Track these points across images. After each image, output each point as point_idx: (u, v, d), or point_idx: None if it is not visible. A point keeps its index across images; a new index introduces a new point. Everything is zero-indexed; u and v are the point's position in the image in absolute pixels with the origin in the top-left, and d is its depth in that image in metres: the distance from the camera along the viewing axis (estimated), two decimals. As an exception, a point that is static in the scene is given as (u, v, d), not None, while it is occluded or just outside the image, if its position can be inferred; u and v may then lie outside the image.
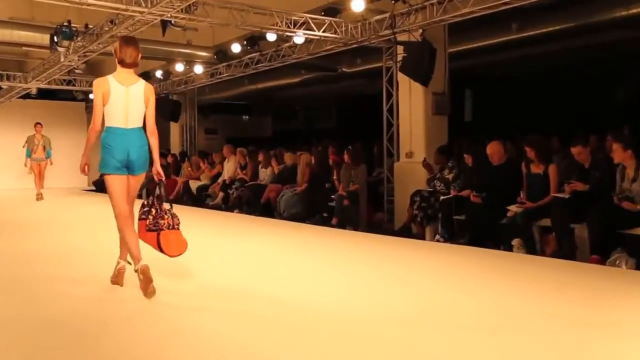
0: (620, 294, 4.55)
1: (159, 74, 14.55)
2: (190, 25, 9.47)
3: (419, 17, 8.27)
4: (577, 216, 5.90)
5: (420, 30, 8.43)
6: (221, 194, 11.68)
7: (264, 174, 11.21)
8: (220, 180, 12.32)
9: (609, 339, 3.41)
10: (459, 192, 7.43)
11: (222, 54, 12.03)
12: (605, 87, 12.79)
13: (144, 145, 4.43)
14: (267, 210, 10.27)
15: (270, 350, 3.19)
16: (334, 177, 9.43)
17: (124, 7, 7.82)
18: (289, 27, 8.93)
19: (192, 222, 9.50)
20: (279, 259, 6.09)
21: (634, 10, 8.19)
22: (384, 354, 3.15)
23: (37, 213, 10.79)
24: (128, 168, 4.39)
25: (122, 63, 4.42)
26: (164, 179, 4.56)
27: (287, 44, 10.59)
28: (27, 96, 16.10)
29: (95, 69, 15.99)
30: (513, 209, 6.48)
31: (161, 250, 4.39)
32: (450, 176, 7.83)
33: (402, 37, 8.74)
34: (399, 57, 8.91)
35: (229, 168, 12.24)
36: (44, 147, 12.94)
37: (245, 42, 11.07)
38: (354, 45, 9.57)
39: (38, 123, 12.95)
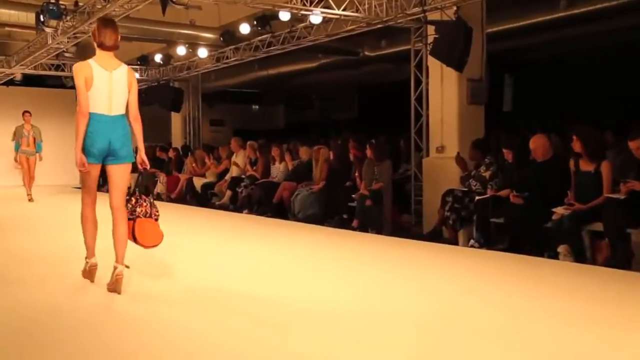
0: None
1: (158, 58, 14.63)
2: (193, 3, 9.49)
3: (452, -7, 8.24)
4: (634, 220, 5.84)
5: (454, 8, 8.39)
6: (229, 193, 11.73)
7: (277, 171, 11.24)
8: (227, 177, 12.37)
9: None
10: (497, 191, 7.40)
11: (229, 35, 12.06)
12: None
13: (128, 133, 4.69)
14: (280, 210, 10.30)
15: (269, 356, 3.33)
16: (355, 174, 9.43)
17: (119, -18, 7.89)
18: (304, 4, 8.93)
19: (196, 223, 9.76)
20: (291, 263, 6.14)
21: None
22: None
23: (26, 213, 10.92)
24: (111, 157, 4.62)
25: (102, 46, 4.65)
26: (148, 167, 4.84)
27: (303, 25, 10.58)
28: (10, 83, 16.28)
29: (86, 52, 16.08)
30: (559, 211, 6.43)
31: (135, 241, 4.68)
32: (487, 174, 7.80)
33: (433, 16, 8.72)
34: (430, 39, 8.88)
35: (238, 164, 12.28)
36: (34, 139, 12.73)
37: (255, 22, 11.08)
38: (379, 26, 9.54)
39: (27, 111, 12.82)
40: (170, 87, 15.72)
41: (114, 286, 4.57)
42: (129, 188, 4.82)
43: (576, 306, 4.53)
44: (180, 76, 15.48)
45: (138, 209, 4.72)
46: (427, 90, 9.31)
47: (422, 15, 8.74)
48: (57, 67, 14.43)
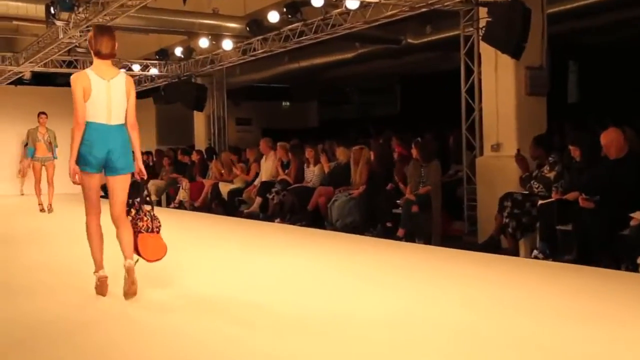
0: None
1: (178, 51, 14.75)
2: (216, -11, 9.53)
3: (507, -30, 8.15)
4: None
5: (510, -13, 8.27)
6: (258, 200, 11.76)
7: (311, 174, 11.24)
8: (256, 182, 12.40)
9: None
10: (564, 194, 7.29)
11: (256, 25, 12.10)
12: None
13: (127, 143, 5.10)
14: (316, 219, 10.33)
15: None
16: (396, 177, 9.38)
17: (135, -32, 7.94)
18: (339, -12, 8.91)
19: (222, 233, 9.82)
20: (327, 277, 6.13)
21: None
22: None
23: (39, 224, 11.07)
24: (109, 167, 5.03)
25: (99, 55, 5.05)
26: (146, 177, 5.28)
27: (338, 11, 10.57)
28: (18, 82, 16.58)
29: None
30: (638, 216, 6.31)
31: (138, 254, 5.12)
32: (551, 174, 7.70)
33: (485, -3, 8.64)
34: (482, 22, 8.80)
35: (268, 167, 12.31)
36: (50, 144, 12.73)
37: (284, 10, 11.11)
38: (423, 10, 9.49)
39: (42, 113, 12.76)
40: (192, 84, 15.82)
41: (128, 287, 4.91)
42: (128, 199, 5.21)
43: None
44: (203, 71, 15.58)
45: (139, 224, 5.14)
46: (479, 80, 9.24)
47: (473, -5, 8.70)
48: (70, 64, 14.60)
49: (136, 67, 15.73)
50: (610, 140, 6.93)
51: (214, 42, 13.23)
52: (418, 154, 9.07)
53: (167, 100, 16.97)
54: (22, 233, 9.97)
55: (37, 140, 12.65)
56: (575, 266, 6.51)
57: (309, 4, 10.10)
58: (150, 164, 16.42)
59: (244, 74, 17.33)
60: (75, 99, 4.91)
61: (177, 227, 10.69)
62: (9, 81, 16.15)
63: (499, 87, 8.93)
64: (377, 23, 10.36)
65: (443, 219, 9.11)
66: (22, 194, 17.46)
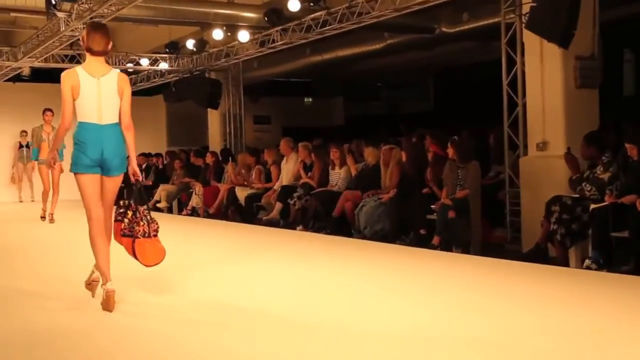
0: None
1: (190, 44, 14.83)
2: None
3: (553, -51, 8.09)
4: None
5: (556, -32, 8.21)
6: (278, 205, 11.76)
7: (337, 177, 11.22)
8: (276, 186, 12.39)
9: None
10: (619, 198, 7.23)
11: (275, 14, 12.12)
12: None
13: (121, 143, 5.39)
14: (342, 226, 10.33)
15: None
16: (431, 179, 9.34)
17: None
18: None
19: (239, 242, 9.81)
20: (353, 290, 6.11)
21: None
22: None
23: (35, 234, 11.16)
24: (102, 168, 5.33)
25: (91, 52, 5.34)
26: (140, 179, 5.64)
27: (365, -3, 10.58)
28: (16, 78, 16.75)
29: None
30: (703, 221, 6.17)
31: (136, 258, 5.45)
32: (605, 176, 7.62)
33: (528, -21, 8.63)
34: (525, 8, 8.76)
35: (289, 170, 12.32)
36: None
37: (306, -3, 11.13)
38: (460, -6, 9.45)
39: (48, 109, 12.53)
40: (206, 79, 15.90)
41: (90, 287, 5.52)
42: (123, 200, 5.66)
43: None
44: (218, 65, 15.66)
45: (136, 227, 5.42)
46: (523, 72, 9.20)
47: (515, -22, 8.70)
48: (72, 59, 14.76)
49: (144, 62, 15.85)
50: (672, 137, 6.88)
51: (229, 34, 13.29)
52: (455, 154, 9.03)
53: (179, 98, 17.08)
54: (17, 242, 10.08)
55: (42, 140, 12.41)
56: (633, 277, 6.45)
57: (333, -10, 10.10)
58: (161, 167, 16.53)
59: (262, 68, 17.39)
60: (63, 97, 5.23)
61: (189, 235, 10.79)
62: (6, 78, 16.32)
63: (545, 80, 8.88)
64: (408, 10, 10.34)
65: (483, 226, 9.09)
66: (21, 201, 17.64)
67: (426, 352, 4.24)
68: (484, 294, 5.98)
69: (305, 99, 22.55)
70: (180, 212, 14.96)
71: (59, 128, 5.37)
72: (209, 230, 11.68)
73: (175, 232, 11.45)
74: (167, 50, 15.49)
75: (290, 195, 11.51)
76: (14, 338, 4.68)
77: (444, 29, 12.97)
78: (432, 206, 8.99)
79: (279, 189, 12.08)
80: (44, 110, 12.61)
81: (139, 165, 17.89)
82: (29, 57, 14.01)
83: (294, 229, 10.94)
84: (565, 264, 7.45)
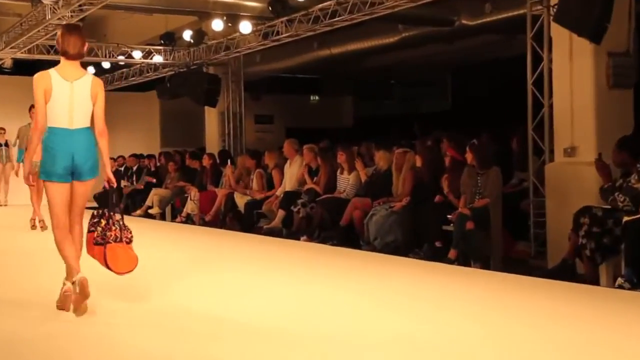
0: None
1: (187, 35, 14.83)
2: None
3: None
4: None
5: (587, -44, 8.19)
6: (281, 213, 11.76)
7: (345, 183, 11.21)
8: (279, 192, 12.37)
9: None
10: (655, 209, 7.18)
11: (280, 4, 12.16)
12: None
13: (92, 147, 5.66)
14: (350, 236, 10.33)
15: None
16: (447, 186, 9.30)
17: None
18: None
19: (237, 253, 9.80)
20: (359, 309, 6.07)
21: None
22: None
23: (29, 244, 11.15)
24: (73, 173, 5.59)
25: (66, 55, 5.63)
26: (115, 186, 5.89)
27: (378, -15, 10.58)
28: (-2, 70, 16.80)
29: (95, 30, 16.40)
30: None
31: (108, 267, 5.65)
32: (639, 185, 7.52)
33: (557, -32, 8.64)
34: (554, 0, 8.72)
35: (292, 174, 12.31)
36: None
37: (314, -15, 11.13)
38: (482, -16, 9.44)
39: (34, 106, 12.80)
40: (204, 74, 15.91)
41: (62, 304, 5.59)
42: (97, 209, 5.87)
43: None
44: (217, 59, 15.66)
45: (108, 234, 5.64)
46: (550, 70, 9.21)
47: (543, -33, 8.72)
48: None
49: (137, 54, 15.86)
50: None
51: (229, 25, 13.30)
52: (474, 159, 9.03)
53: (174, 94, 17.10)
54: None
55: (28, 140, 12.55)
56: (669, 298, 6.42)
57: (343, -22, 10.09)
58: (153, 169, 16.53)
59: (264, 62, 17.44)
60: (37, 101, 5.53)
61: (183, 245, 10.79)
62: (-14, 70, 16.40)
63: (575, 78, 8.88)
64: (425, 1, 10.37)
65: (504, 239, 9.07)
66: (6, 205, 17.65)
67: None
68: (504, 314, 5.94)
69: (312, 97, 22.58)
70: (174, 218, 14.96)
71: (32, 135, 5.59)
72: (204, 239, 11.68)
73: (167, 240, 11.54)
74: (162, 41, 15.52)
75: (293, 202, 11.49)
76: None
77: (464, 21, 13.00)
78: (449, 216, 8.99)
79: (282, 195, 12.07)
80: (31, 107, 12.55)
81: (129, 168, 18.14)
82: (11, 48, 14.06)
83: (298, 239, 10.95)
84: (595, 282, 7.39)
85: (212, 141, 17.35)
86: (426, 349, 4.84)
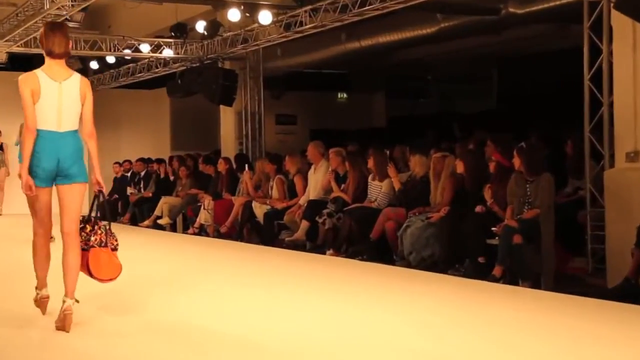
0: None
1: (200, 27, 14.83)
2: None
3: None
4: None
5: None
6: (304, 224, 11.75)
7: (376, 191, 11.18)
8: (302, 201, 12.35)
9: None
10: None
11: (303, -9, 12.12)
12: None
13: (79, 149, 5.94)
14: (382, 251, 10.33)
15: None
16: (492, 195, 9.25)
17: None
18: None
19: (255, 268, 9.80)
20: (392, 335, 6.04)
21: None
22: None
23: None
24: (60, 176, 5.84)
25: (51, 54, 5.89)
26: (104, 189, 6.17)
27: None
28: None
29: (99, 20, 16.47)
30: None
31: (89, 273, 5.94)
32: None
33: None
34: (614, -16, 8.76)
35: (317, 181, 12.30)
36: None
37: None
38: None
39: None
40: (219, 69, 15.95)
41: (62, 323, 5.73)
42: (83, 215, 6.10)
43: None
44: (233, 53, 15.68)
45: (92, 238, 5.96)
46: (610, 64, 9.19)
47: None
48: (58, 43, 14.78)
49: (145, 48, 15.91)
50: None
51: (247, 14, 13.31)
52: (522, 165, 9.01)
53: (186, 92, 17.15)
54: None
55: None
56: None
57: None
58: (163, 175, 16.58)
59: (286, 56, 17.47)
60: (25, 103, 5.73)
61: (195, 258, 10.80)
62: (-20, 65, 16.52)
63: (638, 73, 8.85)
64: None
65: (557, 254, 9.03)
66: (0, 214, 17.77)
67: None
68: (556, 340, 5.86)
69: (339, 95, 22.55)
70: (185, 230, 15.02)
71: (24, 139, 5.77)
72: (219, 253, 11.76)
73: (178, 253, 11.55)
74: (173, 33, 15.56)
75: (318, 212, 11.49)
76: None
77: (511, 9, 12.90)
78: (494, 229, 8.94)
79: (305, 205, 12.07)
80: None
81: (137, 173, 18.21)
82: (5, 41, 14.20)
83: (323, 253, 10.98)
84: (663, 304, 7.37)
85: (228, 144, 17.40)
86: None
